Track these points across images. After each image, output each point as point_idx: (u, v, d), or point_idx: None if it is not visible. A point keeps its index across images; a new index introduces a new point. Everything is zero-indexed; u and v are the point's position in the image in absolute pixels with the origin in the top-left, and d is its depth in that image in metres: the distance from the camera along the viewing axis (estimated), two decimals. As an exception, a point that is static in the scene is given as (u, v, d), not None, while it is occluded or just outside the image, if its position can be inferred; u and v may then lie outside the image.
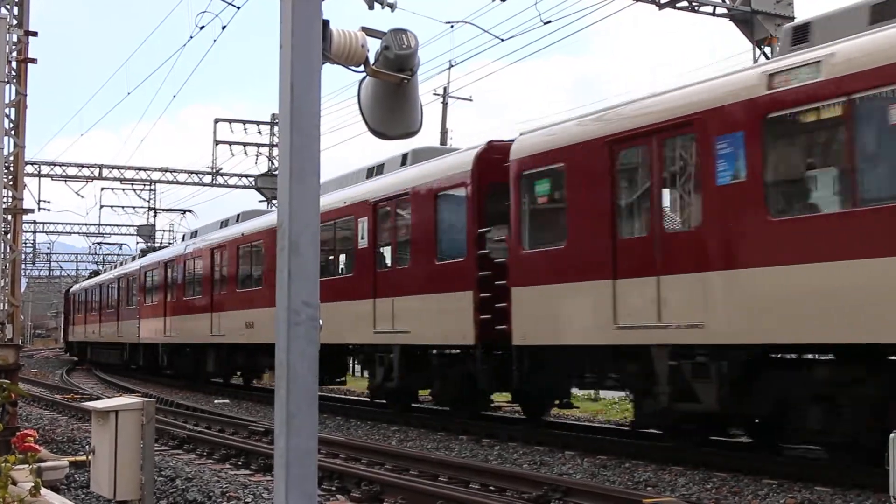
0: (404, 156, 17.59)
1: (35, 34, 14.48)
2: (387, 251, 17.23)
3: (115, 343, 38.25)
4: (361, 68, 3.64)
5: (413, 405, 18.57)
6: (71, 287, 58.14)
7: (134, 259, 40.21)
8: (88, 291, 46.91)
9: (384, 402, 18.61)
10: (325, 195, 17.41)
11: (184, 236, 33.37)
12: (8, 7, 14.05)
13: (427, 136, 50.74)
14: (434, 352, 16.03)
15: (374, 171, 18.52)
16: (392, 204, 16.88)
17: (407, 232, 16.51)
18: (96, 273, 51.94)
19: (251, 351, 23.07)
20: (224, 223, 27.12)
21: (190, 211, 49.85)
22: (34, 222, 58.14)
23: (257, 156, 40.92)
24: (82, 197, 54.34)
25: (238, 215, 26.41)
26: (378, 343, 16.88)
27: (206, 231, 28.64)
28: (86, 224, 58.99)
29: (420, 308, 15.76)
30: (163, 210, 50.58)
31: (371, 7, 4.76)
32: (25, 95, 14.17)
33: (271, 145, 40.64)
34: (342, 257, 19.10)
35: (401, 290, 16.25)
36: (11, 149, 13.98)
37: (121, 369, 38.38)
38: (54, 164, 41.24)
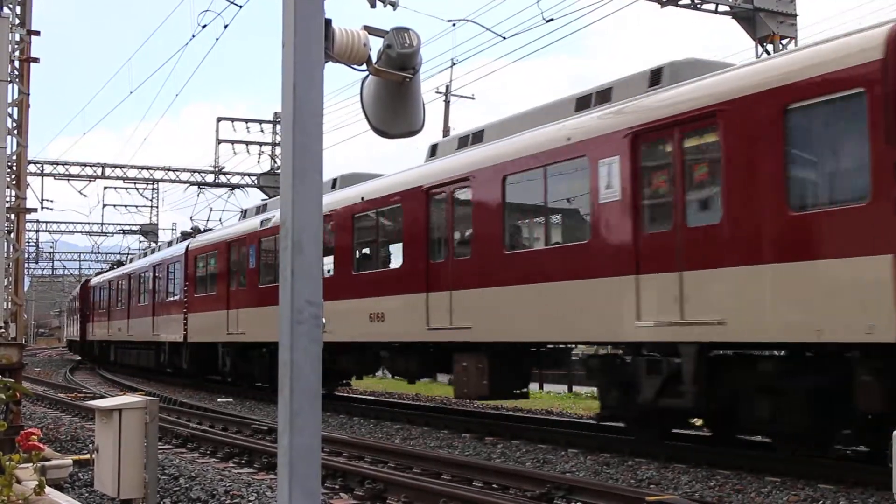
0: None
1: (37, 33, 14.49)
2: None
3: (149, 343, 32.56)
4: (364, 67, 3.64)
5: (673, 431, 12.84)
6: (88, 280, 50.94)
7: (171, 244, 34.34)
8: (113, 284, 40.30)
9: (621, 424, 13.17)
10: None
11: (244, 212, 27.19)
12: (10, 6, 14.07)
13: (427, 136, 50.75)
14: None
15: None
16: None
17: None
18: (120, 263, 45.84)
19: (363, 349, 18.52)
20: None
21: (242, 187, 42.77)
22: (37, 221, 58.21)
23: (260, 154, 40.98)
24: (85, 196, 54.48)
25: (335, 180, 20.40)
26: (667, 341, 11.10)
27: (275, 206, 22.79)
28: (89, 223, 59.07)
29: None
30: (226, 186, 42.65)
31: (373, 6, 4.77)
32: (28, 95, 14.19)
33: (274, 144, 40.66)
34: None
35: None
36: (14, 148, 14.00)
37: (138, 371, 35.23)
38: (57, 164, 41.31)
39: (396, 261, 16.83)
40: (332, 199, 18.39)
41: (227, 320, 23.68)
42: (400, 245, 16.75)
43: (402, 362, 17.38)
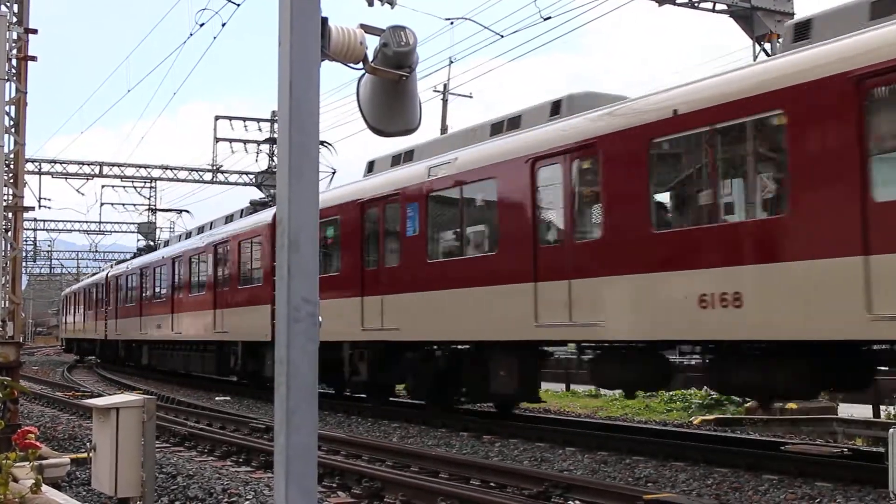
0: None
1: (35, 32, 14.48)
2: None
3: (207, 343, 25.89)
4: (360, 65, 3.64)
5: None
6: (109, 269, 43.14)
7: (231, 218, 26.67)
8: (148, 272, 33.05)
9: None
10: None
11: (370, 165, 19.17)
12: (8, 4, 14.05)
13: (427, 135, 50.80)
14: None
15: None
16: None
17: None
18: (150, 248, 39.76)
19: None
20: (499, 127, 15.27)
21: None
22: (35, 220, 58.27)
23: (258, 153, 40.94)
24: (83, 195, 54.50)
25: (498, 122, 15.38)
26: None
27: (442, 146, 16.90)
28: (86, 221, 59.07)
29: None
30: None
31: (371, 4, 4.77)
32: (25, 93, 14.18)
33: (272, 142, 40.66)
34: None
35: None
36: (12, 146, 13.98)
37: (136, 369, 33.17)
38: (55, 162, 41.26)
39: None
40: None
41: (361, 311, 17.29)
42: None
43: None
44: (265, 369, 21.54)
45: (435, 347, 16.19)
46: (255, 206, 26.07)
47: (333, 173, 24.92)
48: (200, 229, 29.72)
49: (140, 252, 40.99)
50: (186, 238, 30.89)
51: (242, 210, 26.84)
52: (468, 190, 14.91)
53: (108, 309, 39.40)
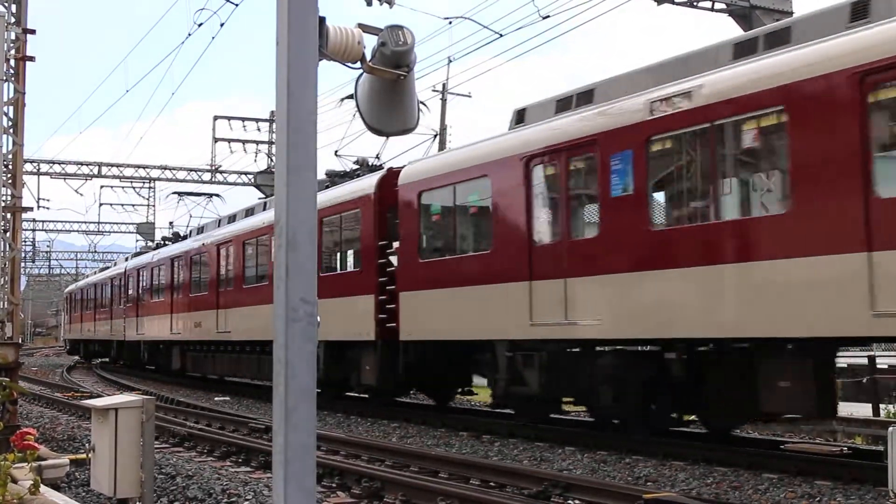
0: None
1: (33, 32, 14.48)
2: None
3: (265, 343, 21.00)
4: (358, 65, 3.64)
5: None
6: (126, 262, 38.44)
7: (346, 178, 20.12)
8: (181, 262, 28.72)
9: None
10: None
11: (569, 99, 14.15)
12: (6, 5, 14.04)
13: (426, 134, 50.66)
14: None
15: None
16: None
17: None
18: (177, 236, 34.04)
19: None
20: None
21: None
22: (33, 220, 58.28)
23: (256, 153, 40.97)
24: (81, 195, 54.28)
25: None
26: None
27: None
28: (85, 222, 59.05)
29: None
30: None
31: (369, 4, 4.77)
32: (24, 94, 14.18)
33: (270, 142, 40.64)
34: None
35: None
36: (10, 147, 13.99)
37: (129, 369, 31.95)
38: (53, 162, 41.26)
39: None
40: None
41: (530, 299, 13.09)
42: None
43: None
44: (360, 376, 17.44)
45: (641, 348, 12.27)
46: (333, 178, 20.46)
47: (435, 136, 20.95)
48: (249, 211, 25.00)
49: (165, 241, 34.77)
50: (230, 222, 26.00)
51: (327, 179, 20.75)
52: (729, 129, 10.78)
53: (128, 306, 35.03)
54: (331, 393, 19.10)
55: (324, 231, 18.95)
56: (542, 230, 13.31)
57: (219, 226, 26.98)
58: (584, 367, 12.70)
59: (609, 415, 13.02)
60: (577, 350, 12.90)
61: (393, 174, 17.11)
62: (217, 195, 35.47)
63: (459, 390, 17.64)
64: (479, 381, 16.83)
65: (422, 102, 22.11)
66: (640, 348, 12.30)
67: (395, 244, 16.66)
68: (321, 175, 19.78)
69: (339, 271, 19.18)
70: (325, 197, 18.58)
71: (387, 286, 16.58)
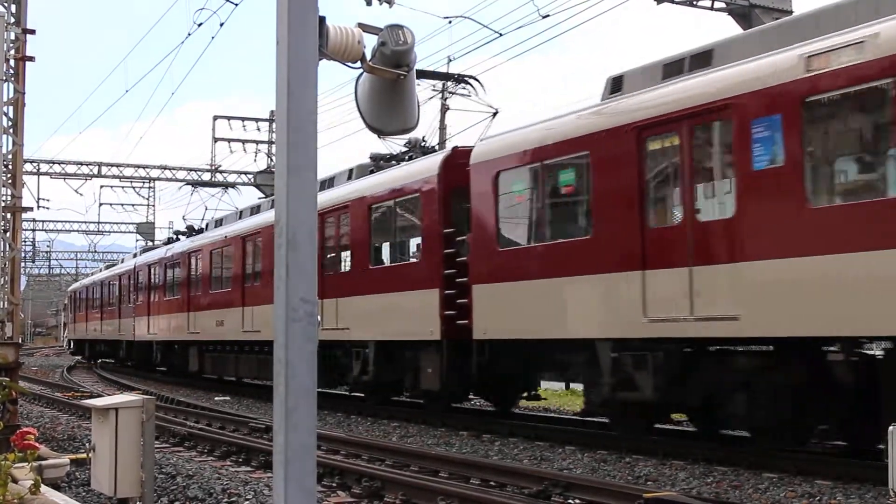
0: None
1: (33, 32, 14.49)
2: None
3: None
4: (358, 64, 3.64)
5: None
6: (135, 258, 36.02)
7: (351, 175, 19.22)
8: (199, 257, 26.79)
9: None
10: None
11: (680, 62, 12.41)
12: (6, 5, 14.05)
13: (425, 133, 50.63)
14: None
15: None
16: None
17: None
18: (193, 229, 30.97)
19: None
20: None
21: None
22: (33, 220, 58.23)
23: (256, 153, 40.94)
24: (81, 195, 54.13)
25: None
26: None
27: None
28: (85, 222, 59.04)
29: None
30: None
31: (369, 3, 4.77)
32: (23, 94, 14.18)
33: (270, 142, 40.63)
34: None
35: None
36: (10, 147, 13.99)
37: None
38: (53, 162, 41.22)
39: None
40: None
41: (643, 292, 11.45)
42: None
43: None
44: (420, 379, 15.73)
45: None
46: (378, 162, 18.74)
47: (494, 114, 18.37)
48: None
49: (177, 236, 32.61)
50: (253, 213, 24.57)
51: (351, 170, 19.28)
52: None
53: (138, 304, 33.08)
54: (378, 398, 17.85)
55: (372, 219, 17.27)
56: (660, 211, 11.58)
57: (240, 217, 25.55)
58: (715, 369, 10.92)
59: (742, 425, 11.32)
60: (711, 350, 11.14)
61: (460, 153, 15.29)
62: (233, 185, 34.39)
63: (525, 395, 15.85)
64: (547, 385, 15.58)
65: (474, 78, 19.34)
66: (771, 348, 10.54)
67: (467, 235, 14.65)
68: (365, 159, 18.93)
69: (390, 264, 17.33)
70: (374, 181, 17.47)
71: (455, 279, 14.77)
